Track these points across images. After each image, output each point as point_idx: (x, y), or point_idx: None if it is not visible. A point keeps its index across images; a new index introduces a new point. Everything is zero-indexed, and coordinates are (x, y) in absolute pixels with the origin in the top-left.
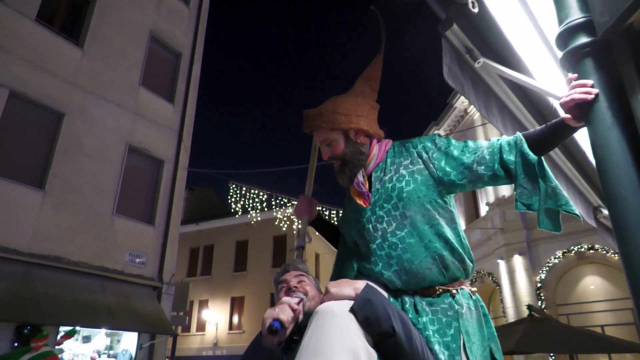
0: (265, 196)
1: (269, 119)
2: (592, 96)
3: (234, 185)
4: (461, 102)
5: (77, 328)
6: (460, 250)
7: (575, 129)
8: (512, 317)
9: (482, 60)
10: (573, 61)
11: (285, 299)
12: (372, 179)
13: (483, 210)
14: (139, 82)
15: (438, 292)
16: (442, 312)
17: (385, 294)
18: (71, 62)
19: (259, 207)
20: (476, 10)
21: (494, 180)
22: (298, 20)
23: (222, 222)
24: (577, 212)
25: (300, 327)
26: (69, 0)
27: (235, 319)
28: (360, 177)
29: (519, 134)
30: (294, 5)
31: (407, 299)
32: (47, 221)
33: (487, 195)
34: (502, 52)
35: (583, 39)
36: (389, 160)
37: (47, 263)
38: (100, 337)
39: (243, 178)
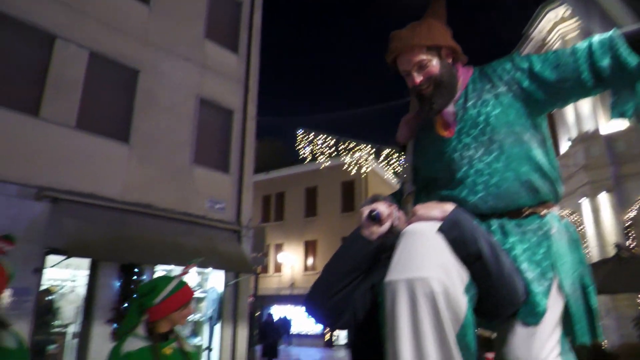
0: (333, 142)
1: (334, 64)
2: None
3: (301, 132)
4: (538, 31)
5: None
6: (551, 172)
7: None
8: (596, 257)
9: None
10: None
11: (376, 203)
12: (456, 106)
13: (564, 147)
14: (203, 35)
15: (526, 214)
16: (531, 233)
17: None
18: (140, 20)
19: (327, 153)
20: None
21: (585, 91)
22: None
23: (291, 170)
24: None
25: (388, 246)
26: None
27: (310, 261)
28: (450, 106)
29: (614, 32)
30: None
31: (493, 221)
32: (135, 172)
33: (570, 131)
34: None
35: None
36: (470, 87)
37: (139, 210)
38: (191, 275)
39: (311, 125)
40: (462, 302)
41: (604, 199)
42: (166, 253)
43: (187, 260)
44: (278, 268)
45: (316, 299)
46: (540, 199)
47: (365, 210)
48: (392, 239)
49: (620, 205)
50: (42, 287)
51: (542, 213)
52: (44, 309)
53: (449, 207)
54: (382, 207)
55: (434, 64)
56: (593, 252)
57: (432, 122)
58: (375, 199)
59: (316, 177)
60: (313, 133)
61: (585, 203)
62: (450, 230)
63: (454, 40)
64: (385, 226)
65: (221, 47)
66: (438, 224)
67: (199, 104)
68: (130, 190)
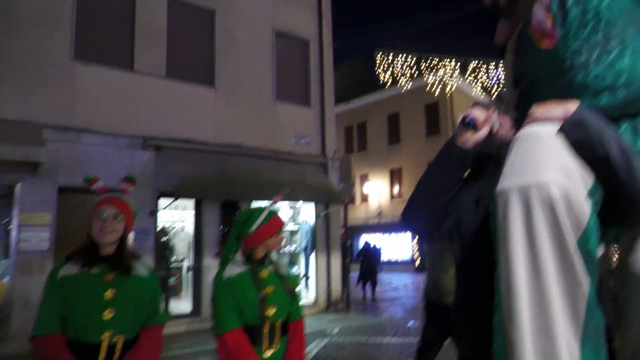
0: (414, 61)
1: None
2: None
3: (380, 53)
4: None
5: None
6: None
7: None
8: None
9: None
10: None
11: (475, 108)
12: (551, 10)
13: None
14: None
15: None
16: None
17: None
18: None
19: (409, 75)
20: None
21: None
22: None
23: (372, 98)
24: None
25: (494, 156)
26: None
27: (396, 189)
28: (537, 13)
29: None
30: None
31: (624, 122)
32: (223, 114)
33: None
34: None
35: None
36: None
37: (232, 150)
38: (284, 209)
39: (390, 43)
40: (585, 207)
41: None
42: (260, 189)
43: (279, 194)
44: (365, 198)
45: (413, 208)
46: None
47: (461, 116)
48: (497, 148)
49: None
50: (158, 228)
51: None
52: (162, 246)
53: (573, 105)
54: (477, 112)
55: None
56: None
57: (528, 33)
58: (479, 103)
59: (398, 102)
60: (392, 54)
61: None
62: (574, 131)
63: None
64: (483, 132)
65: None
66: (558, 126)
67: (275, 37)
68: (222, 132)
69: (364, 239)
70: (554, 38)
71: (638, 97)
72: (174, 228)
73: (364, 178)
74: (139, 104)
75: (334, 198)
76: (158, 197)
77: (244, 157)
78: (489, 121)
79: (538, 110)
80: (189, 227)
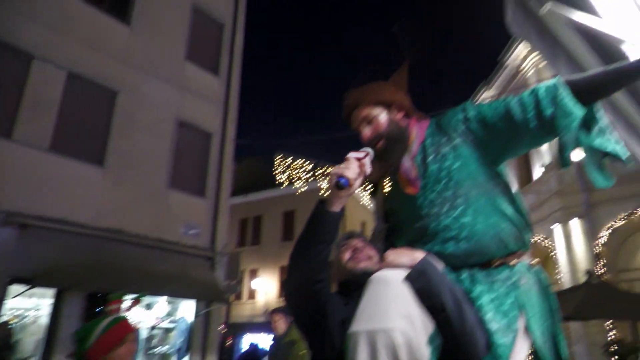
0: (311, 166)
1: (315, 88)
2: None
3: (280, 156)
4: (513, 59)
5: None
6: (519, 221)
7: None
8: (568, 283)
9: (549, 4)
10: None
11: (352, 153)
12: (416, 162)
13: (537, 173)
14: (184, 56)
15: (496, 265)
16: (499, 283)
17: (441, 266)
18: (121, 40)
19: (305, 177)
20: None
21: (536, 140)
22: None
23: (270, 193)
24: (624, 155)
25: (358, 284)
26: None
27: None
28: (406, 162)
29: (559, 80)
30: None
31: (464, 271)
32: (109, 197)
33: (543, 157)
34: None
35: None
36: (428, 141)
37: (111, 236)
38: (160, 304)
39: (290, 148)
40: (425, 353)
41: (576, 225)
42: (137, 281)
43: (158, 288)
44: (252, 294)
45: (290, 281)
46: (510, 250)
47: (333, 177)
48: (365, 274)
49: (591, 232)
50: (2, 319)
51: (512, 263)
52: (1, 343)
53: (419, 255)
54: (351, 171)
55: (382, 119)
56: (565, 279)
57: (397, 177)
58: (351, 235)
59: (295, 200)
60: (291, 157)
61: (557, 229)
62: (417, 280)
63: (409, 99)
64: (356, 184)
65: (202, 69)
66: (406, 272)
67: (178, 126)
68: (104, 215)
69: (249, 338)
70: (416, 187)
71: (476, 251)
72: (23, 319)
73: (253, 273)
74: (10, 175)
75: (217, 295)
76: (10, 283)
77: (124, 245)
78: (361, 173)
79: (390, 256)
80: (44, 319)
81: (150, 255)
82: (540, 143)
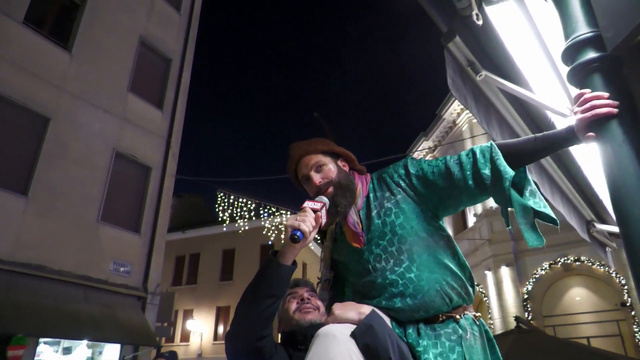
0: (254, 205)
1: (259, 127)
2: (616, 110)
3: (222, 194)
4: (449, 113)
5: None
6: (462, 275)
7: (571, 144)
8: (500, 328)
9: (484, 73)
10: (581, 76)
11: (308, 203)
12: (360, 216)
13: (471, 221)
14: (127, 88)
15: (442, 319)
16: (445, 336)
17: (388, 321)
18: (59, 66)
19: (247, 216)
20: (480, 22)
21: (473, 197)
22: (293, 26)
23: (209, 230)
24: (553, 217)
25: (304, 335)
26: (58, 3)
27: (221, 329)
28: (353, 215)
29: (492, 144)
30: (290, 11)
31: (410, 326)
32: (30, 228)
33: (475, 207)
34: (503, 66)
35: (591, 54)
36: (371, 195)
37: (30, 272)
38: (81, 348)
39: (231, 186)
40: None
41: (506, 272)
42: (56, 323)
43: (81, 331)
44: (186, 337)
45: (236, 329)
46: (455, 304)
47: (289, 230)
48: (310, 327)
49: (520, 279)
50: None
51: (457, 317)
52: None
53: (366, 309)
54: (306, 224)
55: (331, 167)
56: (496, 324)
57: (343, 229)
58: (297, 283)
59: (234, 239)
60: (233, 196)
61: (489, 275)
62: (363, 336)
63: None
64: (310, 237)
65: (145, 102)
66: (352, 327)
67: (114, 157)
68: (22, 248)
69: None
70: (361, 241)
71: (422, 307)
72: None
73: (188, 314)
74: None
75: (147, 339)
76: None
77: (44, 281)
78: (317, 226)
79: (337, 310)
80: None
81: (74, 294)
82: (477, 200)
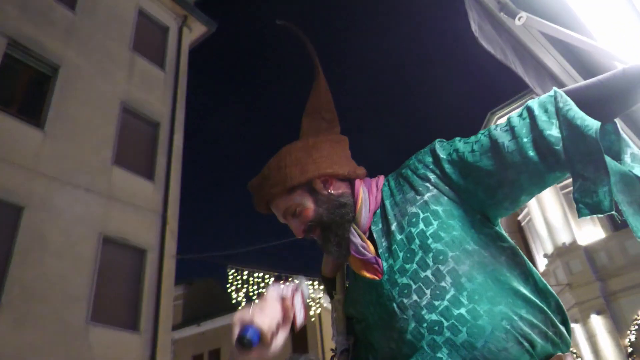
0: (273, 279)
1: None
2: None
3: (232, 270)
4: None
5: None
6: (544, 305)
7: None
8: None
9: (524, 15)
10: None
11: (272, 288)
12: (373, 235)
13: (541, 263)
14: (111, 161)
15: None
16: None
17: None
18: (30, 147)
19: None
20: None
21: (538, 177)
22: (291, 74)
23: (229, 319)
24: None
25: None
26: (26, 77)
27: None
28: (356, 238)
29: (556, 91)
30: (287, 58)
31: None
32: (5, 341)
33: (543, 245)
34: (547, 6)
35: None
36: (387, 203)
37: None
38: None
39: (244, 259)
40: None
41: (598, 322)
42: None
43: None
44: None
45: None
46: (541, 353)
47: (235, 329)
48: None
49: (618, 328)
50: None
51: None
52: None
53: None
54: (266, 317)
55: (307, 203)
56: None
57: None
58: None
59: None
60: (247, 270)
61: (577, 329)
62: None
63: (341, 146)
64: (275, 345)
65: (133, 174)
66: None
67: (102, 244)
68: None
69: None
70: (377, 269)
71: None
72: None
73: None
74: None
75: None
76: None
77: None
78: (287, 321)
79: None
80: None
81: None
82: (546, 182)
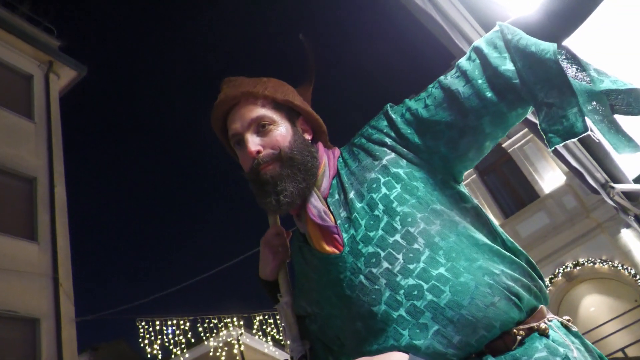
0: (188, 324)
1: (168, 226)
2: None
3: (142, 322)
4: None
5: None
6: (517, 256)
7: None
8: None
9: None
10: None
11: None
12: (329, 207)
13: None
14: None
15: (520, 337)
16: None
17: None
18: None
19: (184, 342)
20: None
21: (500, 118)
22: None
23: None
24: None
25: None
26: None
27: None
28: (317, 202)
29: (500, 25)
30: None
31: None
32: None
33: None
34: None
35: None
36: (342, 173)
37: None
38: None
39: (155, 309)
40: None
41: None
42: None
43: None
44: None
45: None
46: (528, 306)
47: None
48: None
49: None
50: None
51: (542, 326)
52: None
53: (398, 358)
54: None
55: (282, 130)
56: None
57: (305, 235)
58: None
59: None
60: (158, 321)
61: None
62: None
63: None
64: None
65: (12, 238)
66: None
67: None
68: None
69: None
70: (338, 240)
71: (476, 321)
72: None
73: None
74: None
75: None
76: None
77: None
78: None
79: None
80: None
81: None
82: (508, 122)
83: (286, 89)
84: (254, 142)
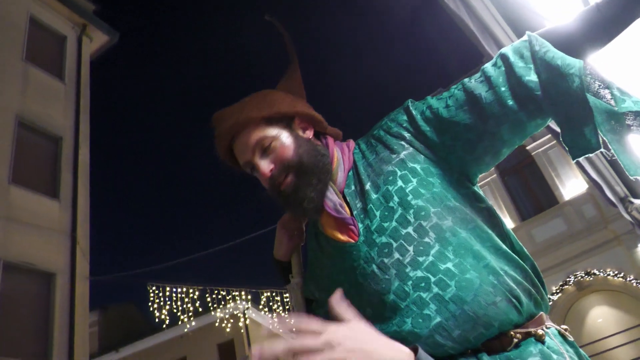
0: (197, 293)
1: (186, 196)
2: None
3: (153, 287)
4: None
5: None
6: (525, 262)
7: None
8: None
9: None
10: None
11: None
12: (347, 198)
13: None
14: (8, 180)
15: (516, 340)
16: None
17: None
18: None
19: (192, 310)
20: None
21: (519, 127)
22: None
23: (150, 341)
24: None
25: None
26: None
27: None
28: (333, 196)
29: (529, 35)
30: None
31: None
32: None
33: None
34: None
35: None
36: (360, 165)
37: None
38: None
39: (166, 276)
40: None
41: None
42: None
43: None
44: None
45: None
46: (528, 311)
47: None
48: None
49: None
50: None
51: (539, 332)
52: None
53: (401, 352)
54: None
55: (285, 141)
56: None
57: (320, 226)
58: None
59: (184, 344)
60: (168, 287)
61: None
62: None
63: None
64: None
65: (35, 193)
66: None
67: (2, 271)
68: None
69: None
70: (353, 230)
71: (476, 318)
72: None
73: None
74: None
75: None
76: None
77: None
78: None
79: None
80: None
81: None
82: (527, 132)
83: (270, 99)
84: (264, 165)
